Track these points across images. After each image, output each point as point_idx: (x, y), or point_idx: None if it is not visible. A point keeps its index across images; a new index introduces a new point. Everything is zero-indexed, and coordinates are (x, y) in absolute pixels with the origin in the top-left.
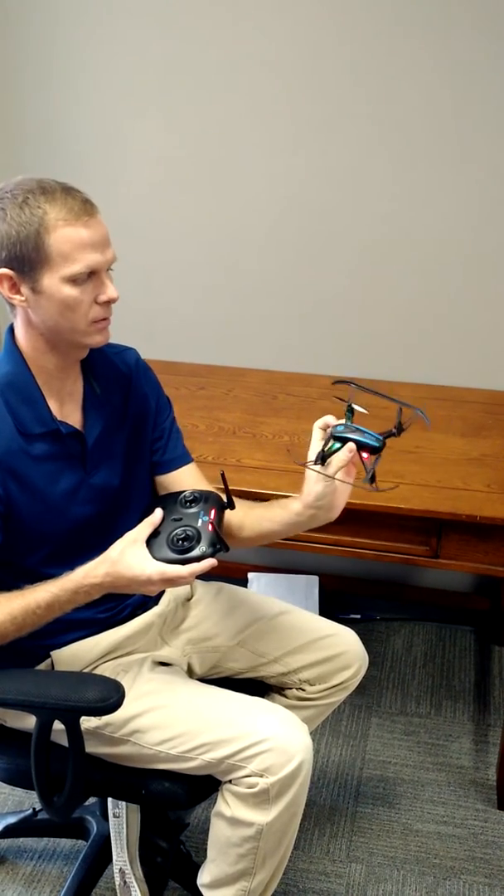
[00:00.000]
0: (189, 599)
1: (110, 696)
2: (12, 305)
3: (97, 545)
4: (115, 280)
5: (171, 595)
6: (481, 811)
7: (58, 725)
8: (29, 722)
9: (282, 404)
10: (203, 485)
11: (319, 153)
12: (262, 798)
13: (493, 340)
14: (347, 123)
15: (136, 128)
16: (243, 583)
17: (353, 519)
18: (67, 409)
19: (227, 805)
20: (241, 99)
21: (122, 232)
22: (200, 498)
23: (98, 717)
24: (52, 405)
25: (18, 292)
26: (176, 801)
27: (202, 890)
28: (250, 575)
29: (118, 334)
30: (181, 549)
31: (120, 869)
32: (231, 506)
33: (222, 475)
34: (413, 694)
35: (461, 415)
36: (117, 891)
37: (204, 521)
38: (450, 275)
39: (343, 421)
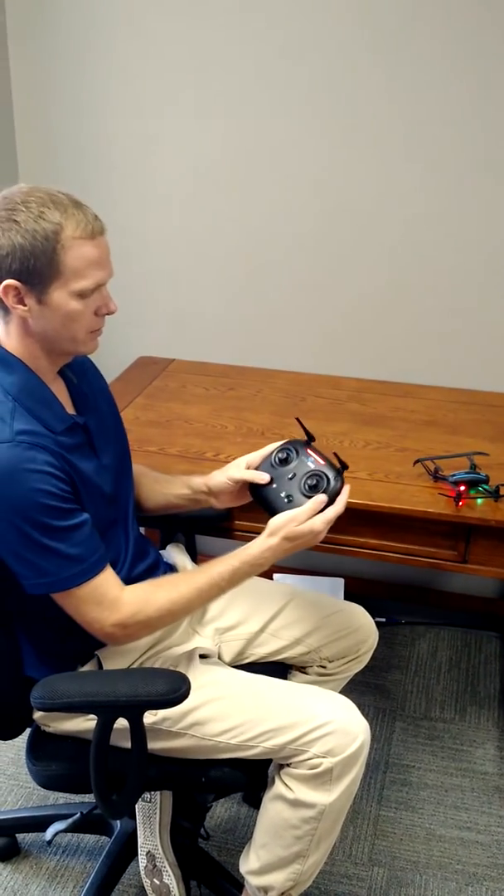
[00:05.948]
0: None
1: (180, 687)
2: (6, 312)
3: (120, 520)
4: (148, 282)
5: None
6: None
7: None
8: (72, 725)
9: (310, 406)
10: None
11: (348, 156)
12: (324, 779)
13: None
14: (378, 126)
15: (166, 131)
16: None
17: (380, 522)
18: (65, 404)
19: (289, 788)
20: (270, 102)
21: (152, 235)
22: (288, 449)
23: (154, 713)
24: None
25: (22, 303)
26: (237, 785)
27: (248, 877)
28: (276, 576)
29: (149, 335)
30: (318, 492)
31: (149, 852)
32: (312, 438)
33: (297, 420)
34: (437, 699)
35: (490, 419)
36: (143, 875)
37: (311, 461)
38: (478, 278)
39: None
